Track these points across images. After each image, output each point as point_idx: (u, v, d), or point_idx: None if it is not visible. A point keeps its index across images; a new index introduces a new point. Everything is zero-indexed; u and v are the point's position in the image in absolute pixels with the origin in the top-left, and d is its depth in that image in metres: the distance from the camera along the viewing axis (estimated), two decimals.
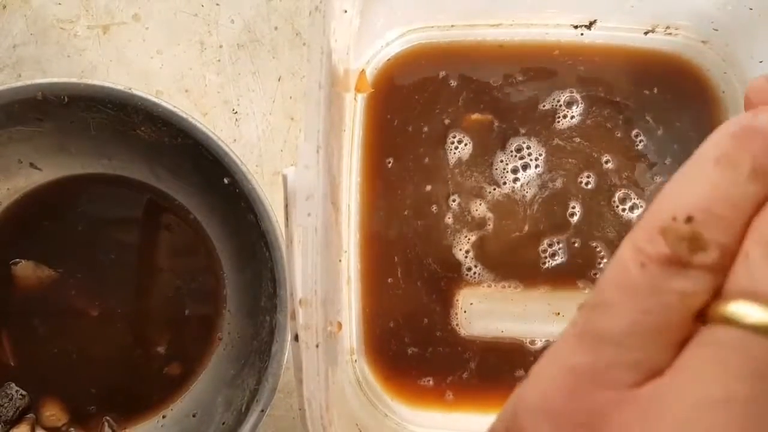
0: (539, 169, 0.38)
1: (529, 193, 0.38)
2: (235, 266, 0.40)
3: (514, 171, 0.38)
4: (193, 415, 0.38)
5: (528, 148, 0.38)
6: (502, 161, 0.38)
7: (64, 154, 0.38)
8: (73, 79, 0.34)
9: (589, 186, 0.38)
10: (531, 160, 0.38)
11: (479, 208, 0.38)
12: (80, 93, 0.33)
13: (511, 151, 0.38)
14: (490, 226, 0.38)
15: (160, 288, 0.40)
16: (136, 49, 0.42)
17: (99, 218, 0.40)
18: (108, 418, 0.39)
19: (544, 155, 0.38)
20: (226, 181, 0.34)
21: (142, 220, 0.40)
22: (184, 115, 0.33)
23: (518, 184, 0.38)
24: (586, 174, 0.38)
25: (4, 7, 0.42)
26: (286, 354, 0.33)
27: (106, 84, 0.33)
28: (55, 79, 0.33)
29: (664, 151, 0.39)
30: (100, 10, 0.42)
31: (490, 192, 0.38)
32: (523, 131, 0.39)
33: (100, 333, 0.39)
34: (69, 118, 0.35)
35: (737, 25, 0.36)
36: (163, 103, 0.33)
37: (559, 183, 0.38)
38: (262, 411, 0.33)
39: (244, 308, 0.39)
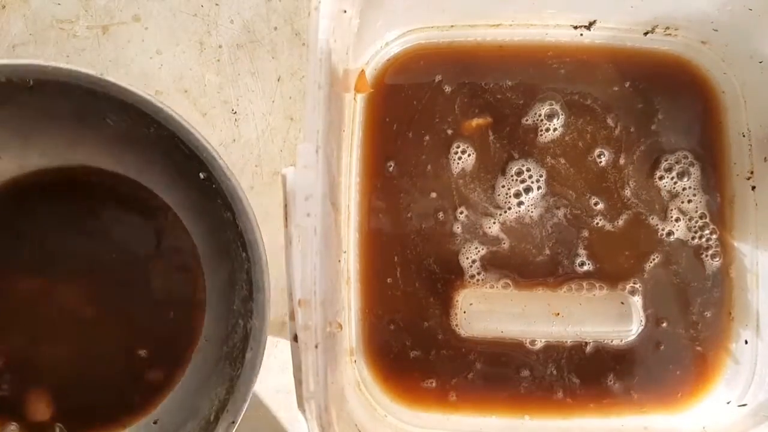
0: (542, 191, 0.38)
1: (536, 213, 0.38)
2: (209, 266, 0.38)
3: (517, 195, 0.38)
4: (154, 422, 0.36)
5: (528, 170, 0.38)
6: (503, 186, 0.38)
7: (26, 143, 0.36)
8: (40, 61, 0.30)
9: (601, 163, 0.38)
10: (533, 182, 0.38)
11: (492, 227, 0.38)
12: (47, 76, 0.30)
13: (512, 176, 0.38)
14: (505, 245, 0.38)
15: (137, 288, 0.38)
16: (135, 49, 0.42)
17: (69, 214, 0.37)
18: (60, 425, 0.37)
19: (544, 176, 0.38)
20: (201, 175, 0.32)
21: (115, 216, 0.38)
22: (160, 105, 0.30)
23: (523, 207, 0.38)
24: (598, 151, 0.38)
25: (4, 7, 0.42)
26: (261, 362, 0.31)
27: (75, 68, 0.30)
28: (20, 60, 0.31)
29: (664, 152, 0.39)
30: (99, 10, 0.42)
31: (501, 215, 0.38)
32: (517, 155, 0.39)
33: (69, 335, 0.37)
34: (33, 103, 0.32)
35: (737, 25, 0.36)
36: (137, 91, 0.30)
37: (564, 204, 0.38)
38: (233, 422, 0.31)
39: (214, 311, 0.37)
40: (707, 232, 0.38)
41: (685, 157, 0.38)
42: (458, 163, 0.39)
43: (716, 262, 0.38)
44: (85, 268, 0.38)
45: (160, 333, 0.38)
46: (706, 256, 0.38)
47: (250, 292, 0.31)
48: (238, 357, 0.32)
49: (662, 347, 0.38)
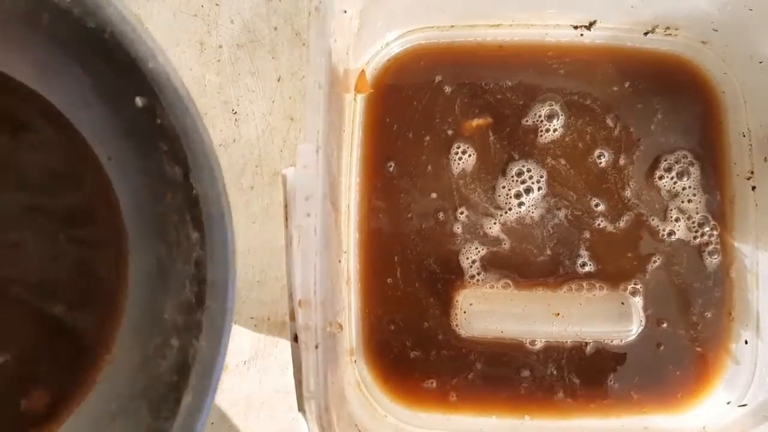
0: (542, 191, 0.38)
1: (537, 214, 0.38)
2: (134, 248, 0.24)
3: (517, 196, 0.38)
4: None
5: (528, 171, 0.38)
6: (504, 187, 0.38)
7: None
8: None
9: (602, 164, 0.38)
10: (533, 183, 0.38)
11: (493, 228, 0.38)
12: None
13: (512, 176, 0.38)
14: (506, 246, 0.38)
15: (14, 263, 0.22)
16: None
17: None
18: None
19: (545, 177, 0.38)
20: (140, 102, 0.21)
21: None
22: None
23: (523, 208, 0.38)
24: (599, 152, 0.38)
25: None
26: (208, 412, 0.19)
27: None
28: None
29: (664, 152, 0.39)
30: None
31: (501, 215, 0.38)
32: (517, 156, 0.39)
33: None
34: None
35: (737, 25, 0.36)
36: None
37: (564, 205, 0.38)
38: None
39: (130, 318, 0.24)
40: (707, 229, 0.38)
41: (685, 157, 0.38)
42: (458, 164, 0.39)
43: (716, 260, 0.38)
44: None
45: (42, 337, 0.24)
46: (706, 254, 0.38)
47: (200, 297, 0.20)
48: (165, 400, 0.20)
49: (662, 347, 0.38)
